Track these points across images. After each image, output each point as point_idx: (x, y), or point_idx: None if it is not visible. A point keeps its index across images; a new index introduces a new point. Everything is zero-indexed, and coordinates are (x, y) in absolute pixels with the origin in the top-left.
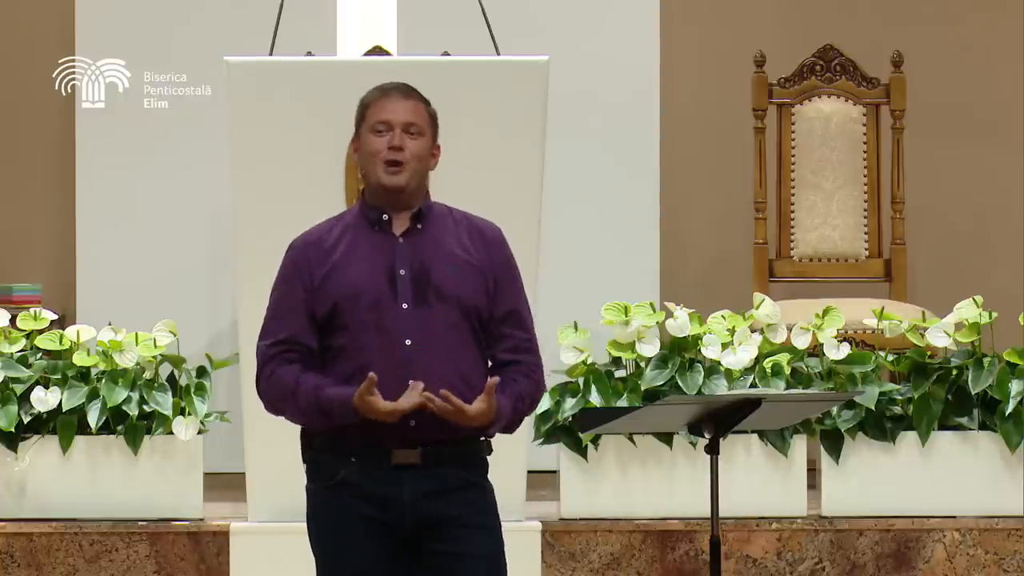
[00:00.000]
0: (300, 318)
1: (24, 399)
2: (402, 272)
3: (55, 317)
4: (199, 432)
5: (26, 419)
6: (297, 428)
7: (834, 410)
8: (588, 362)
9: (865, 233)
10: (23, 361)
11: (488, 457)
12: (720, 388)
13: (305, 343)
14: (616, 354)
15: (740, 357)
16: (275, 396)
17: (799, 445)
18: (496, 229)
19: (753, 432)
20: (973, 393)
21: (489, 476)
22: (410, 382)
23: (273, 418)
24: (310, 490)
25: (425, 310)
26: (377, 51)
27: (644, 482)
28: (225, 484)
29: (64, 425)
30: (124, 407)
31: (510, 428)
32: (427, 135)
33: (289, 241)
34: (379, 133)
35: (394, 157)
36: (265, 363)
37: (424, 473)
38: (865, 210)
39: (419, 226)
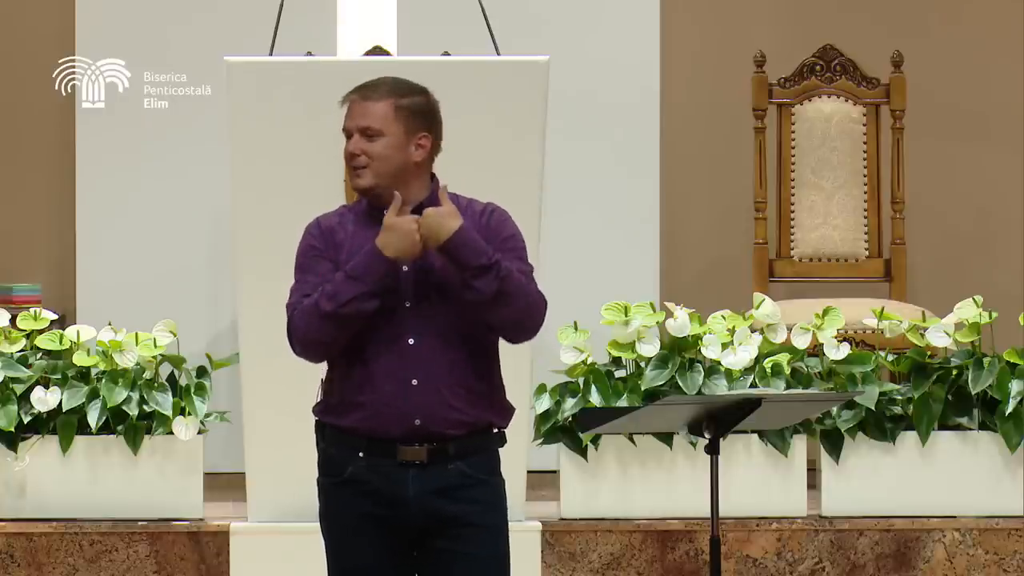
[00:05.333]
0: (329, 280)
1: (24, 399)
2: (404, 269)
3: (55, 317)
4: (199, 432)
5: (26, 419)
6: (298, 427)
7: (834, 410)
8: (588, 362)
9: (865, 233)
10: (23, 361)
11: (500, 451)
12: (720, 388)
13: None
14: (616, 354)
15: (740, 357)
16: (304, 316)
17: (799, 445)
18: (499, 210)
19: (753, 432)
20: (973, 393)
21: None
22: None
23: (273, 418)
24: (320, 483)
25: (427, 308)
26: (377, 51)
27: (644, 482)
28: (225, 484)
29: (64, 425)
30: (124, 407)
31: (492, 271)
32: (389, 132)
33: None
34: (346, 140)
35: (351, 164)
36: (293, 309)
37: (430, 471)
38: (865, 210)
39: None
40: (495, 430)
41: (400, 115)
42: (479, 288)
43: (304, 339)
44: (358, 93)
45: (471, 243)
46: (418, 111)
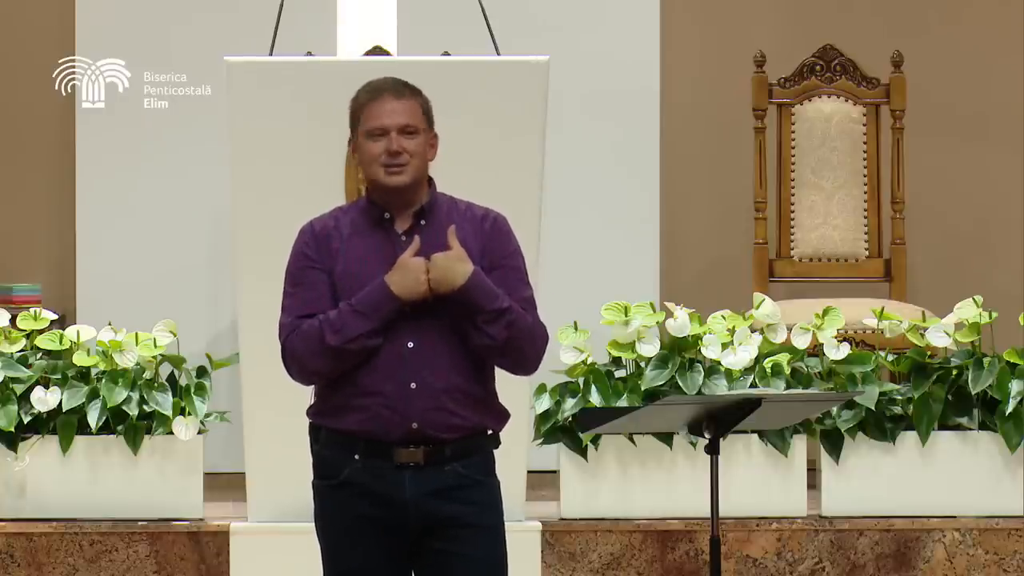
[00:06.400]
0: (325, 297)
1: (24, 399)
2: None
3: (55, 317)
4: (199, 432)
5: (26, 419)
6: (298, 427)
7: (834, 410)
8: (588, 362)
9: (865, 233)
10: (23, 361)
11: (495, 451)
12: (720, 388)
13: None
14: (616, 354)
15: (740, 357)
16: (305, 343)
17: (799, 445)
18: (494, 216)
19: (753, 432)
20: (973, 393)
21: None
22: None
23: (273, 418)
24: (315, 486)
25: (427, 312)
26: (377, 51)
27: (644, 482)
28: (225, 484)
29: (64, 425)
30: (124, 407)
31: (503, 316)
32: (422, 130)
33: (289, 241)
34: (376, 138)
35: (394, 161)
36: (291, 332)
37: (427, 472)
38: (865, 210)
39: (422, 222)
40: (489, 432)
41: (426, 114)
42: (491, 334)
43: (302, 367)
44: (390, 92)
45: (484, 288)
46: (430, 111)
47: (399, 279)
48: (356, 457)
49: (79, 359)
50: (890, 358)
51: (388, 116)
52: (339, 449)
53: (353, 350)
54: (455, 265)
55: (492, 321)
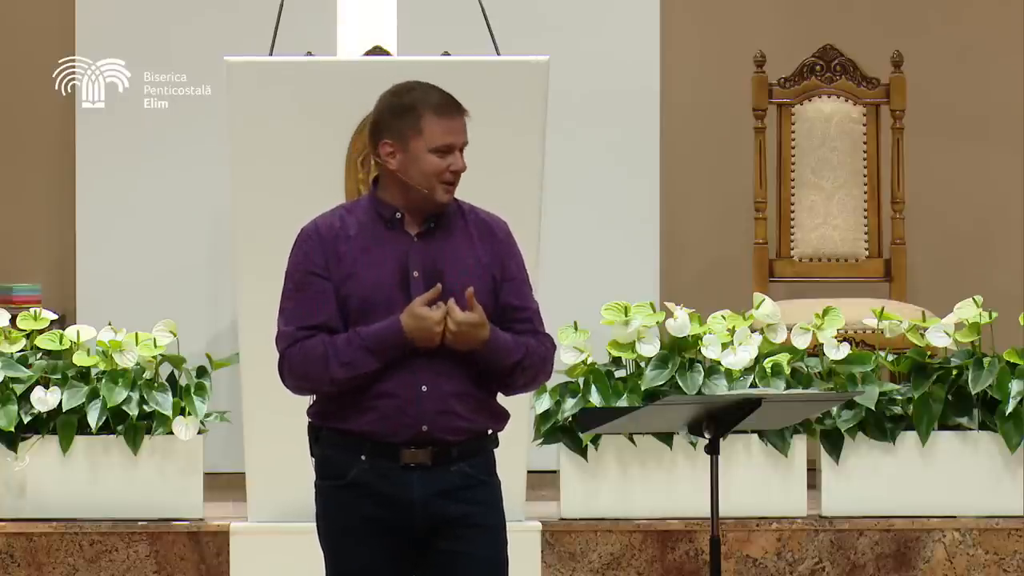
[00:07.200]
0: (328, 305)
1: (24, 399)
2: (415, 275)
3: (55, 317)
4: (199, 432)
5: (26, 419)
6: (298, 427)
7: (834, 410)
8: (588, 362)
9: (865, 233)
10: (23, 361)
11: (495, 451)
12: (720, 388)
13: (336, 329)
14: (616, 354)
15: (740, 357)
16: (306, 365)
17: (799, 445)
18: (503, 224)
19: (753, 432)
20: (973, 393)
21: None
22: (441, 303)
23: (273, 418)
24: (319, 487)
25: (436, 314)
26: (377, 51)
27: (644, 482)
28: (225, 484)
29: (64, 425)
30: (124, 407)
31: (519, 366)
32: None
33: (289, 241)
34: (442, 155)
35: (454, 180)
36: (291, 344)
37: (434, 472)
38: (865, 210)
39: (432, 225)
40: (490, 432)
41: None
42: (507, 383)
43: (299, 385)
44: (457, 108)
45: (499, 346)
46: None
47: (413, 327)
48: (362, 458)
49: (79, 359)
50: (890, 358)
51: (457, 135)
52: (343, 450)
53: (358, 384)
54: (475, 332)
55: (509, 373)
